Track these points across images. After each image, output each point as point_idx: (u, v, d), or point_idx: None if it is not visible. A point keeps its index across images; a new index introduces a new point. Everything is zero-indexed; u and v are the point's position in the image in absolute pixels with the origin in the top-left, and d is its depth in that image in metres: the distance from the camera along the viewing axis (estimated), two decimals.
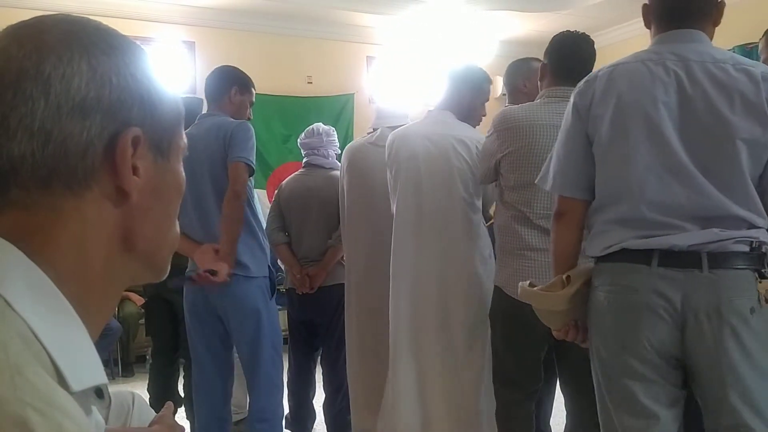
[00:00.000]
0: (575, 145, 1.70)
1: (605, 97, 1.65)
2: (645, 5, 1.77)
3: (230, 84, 2.77)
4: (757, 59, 2.18)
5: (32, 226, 0.55)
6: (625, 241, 1.59)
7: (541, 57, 2.39)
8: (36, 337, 0.50)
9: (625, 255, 1.60)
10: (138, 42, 0.62)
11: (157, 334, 3.31)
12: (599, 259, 1.67)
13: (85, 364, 0.54)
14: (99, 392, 0.56)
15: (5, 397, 0.45)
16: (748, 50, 4.68)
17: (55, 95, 0.54)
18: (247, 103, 2.82)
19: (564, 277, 1.72)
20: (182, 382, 3.28)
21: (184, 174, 0.67)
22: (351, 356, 3.03)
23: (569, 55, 2.27)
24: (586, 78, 1.75)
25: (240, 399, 3.86)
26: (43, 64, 0.54)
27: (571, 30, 2.34)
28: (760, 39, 2.44)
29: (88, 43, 0.57)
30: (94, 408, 0.56)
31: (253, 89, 2.85)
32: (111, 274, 0.60)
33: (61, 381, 0.50)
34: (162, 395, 3.18)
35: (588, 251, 1.71)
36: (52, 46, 0.55)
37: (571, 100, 1.74)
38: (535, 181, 1.86)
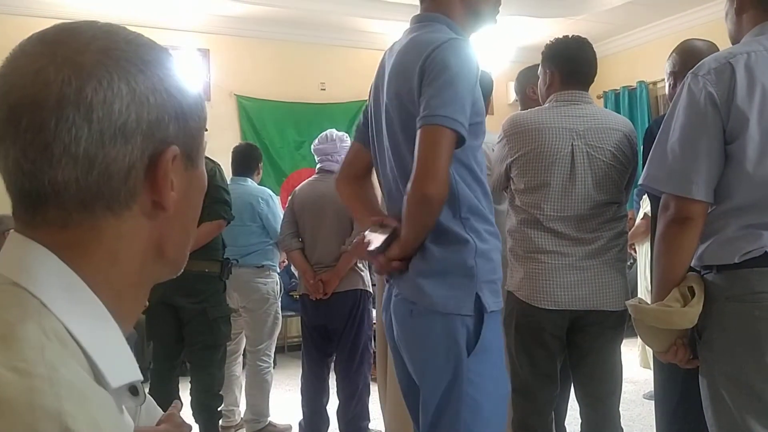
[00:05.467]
0: (711, 141, 1.49)
1: (751, 88, 1.47)
2: None
3: None
4: None
5: (68, 241, 0.56)
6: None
7: None
8: (72, 336, 0.52)
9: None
10: (141, 34, 0.62)
11: (161, 339, 3.27)
12: (734, 267, 1.50)
13: (121, 362, 0.56)
14: (133, 390, 0.58)
15: (42, 390, 0.46)
16: None
17: (98, 121, 0.54)
18: None
19: (686, 288, 1.54)
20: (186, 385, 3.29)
21: (205, 172, 0.67)
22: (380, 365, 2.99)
23: (578, 60, 2.29)
24: (710, 66, 1.52)
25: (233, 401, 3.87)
26: (84, 89, 0.53)
27: (568, 35, 2.36)
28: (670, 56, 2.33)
29: (125, 61, 0.56)
30: (124, 408, 0.58)
31: None
32: (142, 280, 0.62)
33: (99, 378, 0.52)
34: (163, 400, 3.18)
35: (714, 259, 1.54)
36: (90, 70, 0.54)
37: (700, 89, 1.50)
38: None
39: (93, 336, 0.53)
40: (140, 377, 0.57)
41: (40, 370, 0.47)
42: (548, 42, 2.39)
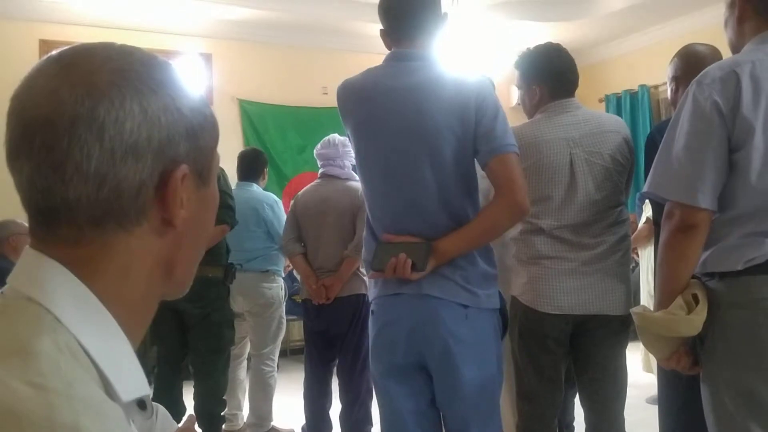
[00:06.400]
0: (716, 150, 1.50)
1: (756, 97, 1.47)
2: (741, 0, 1.64)
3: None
4: None
5: (81, 256, 0.57)
6: None
7: None
8: (85, 350, 0.53)
9: None
10: (156, 54, 0.62)
11: (165, 343, 3.28)
12: (737, 274, 1.50)
13: (131, 376, 0.57)
14: (141, 404, 0.58)
15: (59, 405, 0.47)
16: None
17: (110, 140, 0.55)
18: None
19: (690, 295, 1.54)
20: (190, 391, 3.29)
21: (218, 191, 0.68)
22: None
23: (563, 71, 2.28)
24: (715, 75, 1.53)
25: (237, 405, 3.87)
26: (97, 109, 0.54)
27: (540, 45, 2.33)
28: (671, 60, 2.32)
29: (138, 82, 0.57)
30: (132, 422, 0.58)
31: None
32: (150, 296, 0.62)
33: (110, 392, 0.53)
34: (167, 405, 3.17)
35: (717, 266, 1.55)
36: (103, 90, 0.55)
37: (706, 97, 1.51)
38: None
39: (105, 350, 0.54)
40: (149, 392, 0.59)
41: (57, 384, 0.48)
42: (522, 53, 2.35)
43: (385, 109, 1.79)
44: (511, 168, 1.76)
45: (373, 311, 1.88)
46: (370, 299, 1.94)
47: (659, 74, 4.78)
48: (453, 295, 1.77)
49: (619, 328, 2.22)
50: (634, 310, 1.70)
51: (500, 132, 1.76)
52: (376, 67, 1.89)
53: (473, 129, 1.76)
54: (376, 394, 1.99)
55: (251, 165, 3.96)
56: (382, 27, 1.90)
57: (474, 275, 1.80)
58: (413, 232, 1.79)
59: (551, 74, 2.28)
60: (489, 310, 1.83)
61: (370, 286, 1.91)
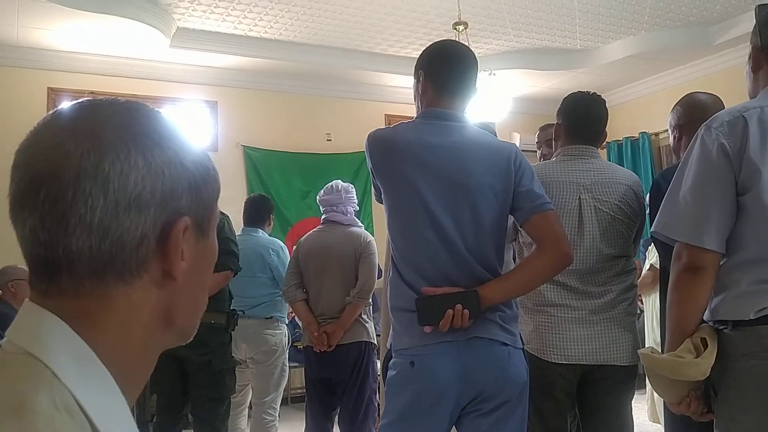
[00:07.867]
0: (723, 191, 1.51)
1: (764, 141, 1.49)
2: (756, 50, 1.67)
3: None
4: None
5: (80, 310, 0.57)
6: None
7: (554, 113, 2.46)
8: (81, 408, 0.53)
9: None
10: (163, 102, 0.63)
11: (165, 391, 3.22)
12: (749, 323, 1.48)
13: None
14: None
15: None
16: None
17: (114, 192, 0.55)
18: None
19: (699, 339, 1.53)
20: None
21: (216, 243, 0.68)
22: None
23: (582, 116, 2.34)
24: (724, 119, 1.55)
25: None
26: (102, 162, 0.55)
27: (582, 90, 2.41)
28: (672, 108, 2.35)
29: (142, 136, 0.58)
30: None
31: None
32: (149, 348, 0.62)
33: None
34: None
35: (728, 314, 1.52)
36: (109, 144, 0.56)
37: (713, 140, 1.53)
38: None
39: (101, 408, 0.54)
40: None
41: None
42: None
43: (430, 164, 1.85)
44: (555, 223, 1.88)
45: (412, 362, 1.81)
46: (398, 348, 1.86)
47: (660, 122, 4.83)
48: (497, 335, 1.84)
49: (626, 377, 2.19)
50: (641, 350, 1.68)
51: (539, 191, 1.89)
52: (411, 123, 1.95)
53: (512, 188, 1.88)
54: None
55: (258, 211, 3.97)
56: (423, 74, 1.96)
57: (510, 316, 1.89)
58: (455, 279, 1.82)
59: (567, 114, 2.35)
60: (521, 349, 1.91)
61: (399, 335, 1.86)
